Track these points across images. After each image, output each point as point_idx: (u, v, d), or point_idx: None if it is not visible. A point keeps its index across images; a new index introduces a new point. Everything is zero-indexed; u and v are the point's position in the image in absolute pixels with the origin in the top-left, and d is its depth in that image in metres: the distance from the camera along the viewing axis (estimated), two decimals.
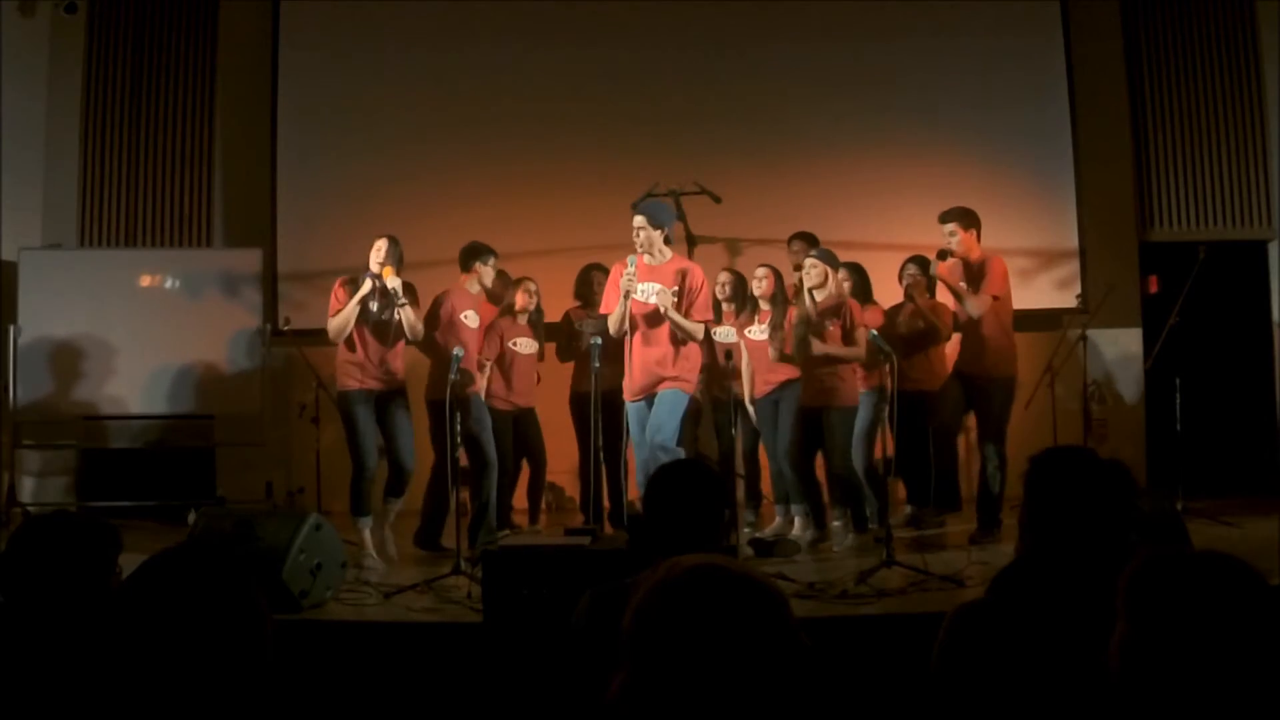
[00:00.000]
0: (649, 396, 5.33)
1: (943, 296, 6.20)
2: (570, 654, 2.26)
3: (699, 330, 5.39)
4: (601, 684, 1.48)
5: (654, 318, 5.31)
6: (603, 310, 5.54)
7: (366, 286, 5.48)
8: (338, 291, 5.57)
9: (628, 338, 5.34)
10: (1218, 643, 1.47)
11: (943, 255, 5.88)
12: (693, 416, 5.83)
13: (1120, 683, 1.53)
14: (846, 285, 5.96)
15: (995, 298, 5.79)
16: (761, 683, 1.38)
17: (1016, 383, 6.05)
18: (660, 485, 2.54)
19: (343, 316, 5.49)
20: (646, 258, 5.35)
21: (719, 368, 5.97)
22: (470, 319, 5.88)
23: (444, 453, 5.61)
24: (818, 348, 5.67)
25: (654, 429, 5.22)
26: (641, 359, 5.33)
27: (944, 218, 5.97)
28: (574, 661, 2.23)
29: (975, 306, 5.77)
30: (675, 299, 5.29)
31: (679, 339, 5.32)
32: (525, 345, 6.38)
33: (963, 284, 5.84)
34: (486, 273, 6.00)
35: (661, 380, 5.29)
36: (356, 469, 5.53)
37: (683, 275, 5.34)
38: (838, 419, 5.69)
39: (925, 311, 6.24)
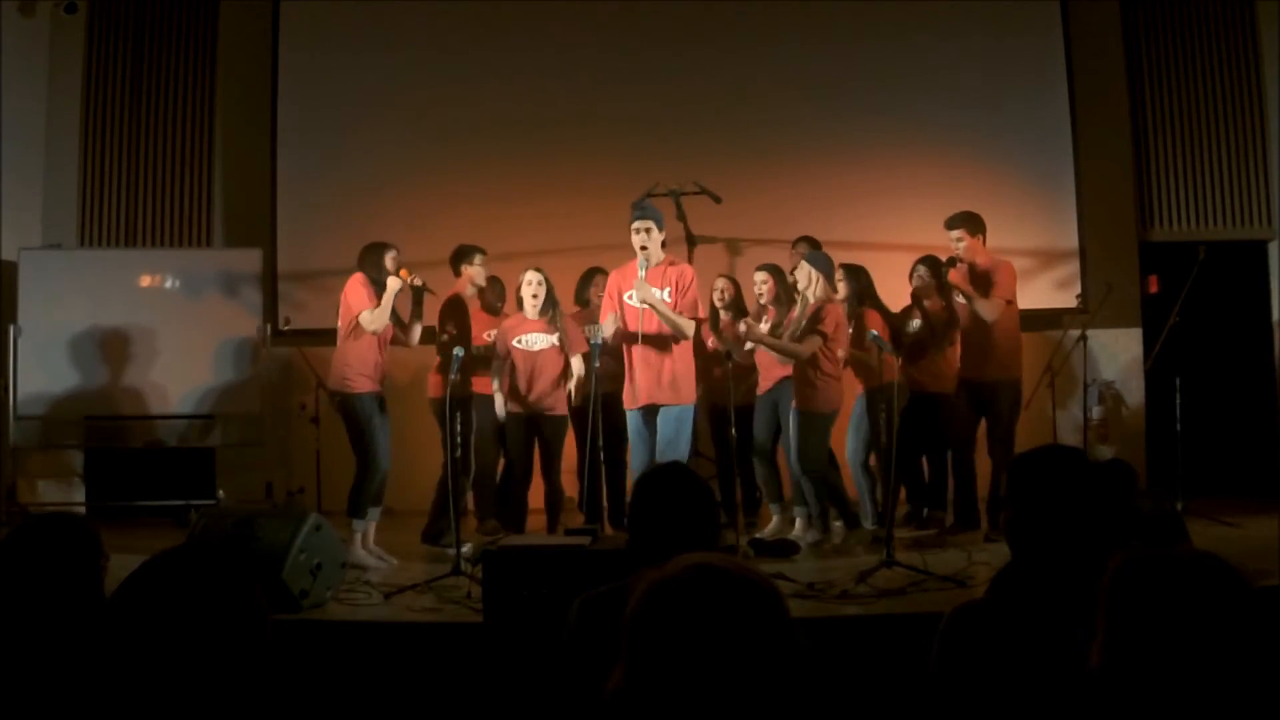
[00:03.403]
0: (649, 407, 5.32)
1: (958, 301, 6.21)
2: (562, 660, 2.26)
3: (689, 326, 5.34)
4: (595, 689, 1.48)
5: (648, 321, 5.28)
6: (601, 321, 5.52)
7: (395, 285, 5.47)
8: (362, 289, 5.50)
9: (625, 346, 5.35)
10: (1196, 642, 1.46)
11: (951, 262, 5.98)
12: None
13: (1101, 682, 1.53)
14: (842, 287, 5.94)
15: (1009, 302, 5.88)
16: (758, 680, 1.38)
17: (1021, 384, 6.11)
18: (645, 492, 2.50)
19: (383, 310, 5.47)
20: (642, 262, 5.30)
21: (718, 370, 5.97)
22: None
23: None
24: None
25: (664, 444, 5.23)
26: (642, 368, 5.31)
27: (950, 224, 6.03)
28: (566, 668, 2.23)
29: (989, 311, 5.85)
30: (666, 298, 5.27)
31: (674, 339, 5.29)
32: (537, 341, 5.87)
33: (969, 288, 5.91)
34: (478, 273, 6.00)
35: (663, 398, 5.28)
36: (367, 471, 5.47)
37: (671, 273, 5.35)
38: (805, 422, 5.68)
39: (932, 315, 6.21)
